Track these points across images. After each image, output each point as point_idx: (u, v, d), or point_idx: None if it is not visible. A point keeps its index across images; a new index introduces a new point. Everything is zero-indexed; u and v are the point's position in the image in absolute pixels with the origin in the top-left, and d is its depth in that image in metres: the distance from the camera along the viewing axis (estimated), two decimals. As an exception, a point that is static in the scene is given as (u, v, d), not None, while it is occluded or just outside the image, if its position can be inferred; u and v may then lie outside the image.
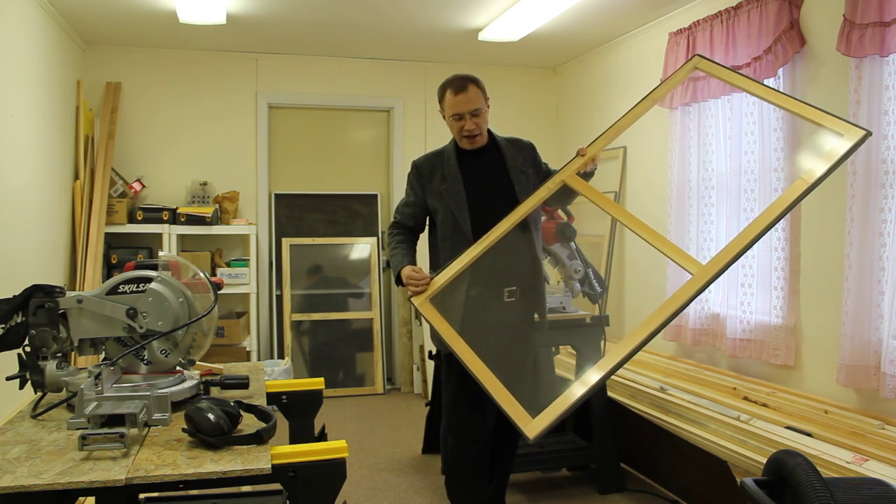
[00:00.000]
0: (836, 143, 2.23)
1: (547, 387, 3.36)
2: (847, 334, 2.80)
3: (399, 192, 5.51)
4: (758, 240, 2.21)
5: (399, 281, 2.60)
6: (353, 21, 4.40)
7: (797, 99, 2.49)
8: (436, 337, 2.63)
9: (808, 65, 3.16)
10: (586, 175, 2.72)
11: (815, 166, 2.21)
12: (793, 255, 3.21)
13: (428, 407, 3.98)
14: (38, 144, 3.83)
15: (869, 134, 2.20)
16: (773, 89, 2.61)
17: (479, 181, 2.65)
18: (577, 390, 2.08)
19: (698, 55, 2.76)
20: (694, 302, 3.83)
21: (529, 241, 2.69)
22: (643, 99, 2.75)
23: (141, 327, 1.78)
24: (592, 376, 2.12)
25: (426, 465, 3.81)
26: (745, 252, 2.21)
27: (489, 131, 2.73)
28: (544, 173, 2.80)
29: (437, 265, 2.66)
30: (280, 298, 5.23)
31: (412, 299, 2.55)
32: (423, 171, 2.71)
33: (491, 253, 2.53)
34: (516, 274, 2.68)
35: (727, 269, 2.21)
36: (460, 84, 2.60)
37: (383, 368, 5.33)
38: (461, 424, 2.64)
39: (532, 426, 2.04)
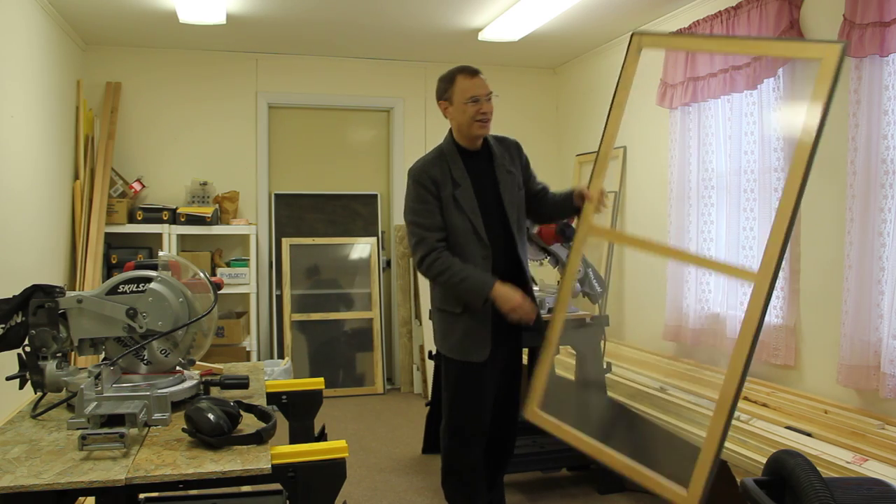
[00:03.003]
0: (818, 70, 1.91)
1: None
2: (847, 334, 2.80)
3: (399, 191, 5.51)
4: (794, 218, 1.96)
5: (486, 301, 2.43)
6: (353, 21, 4.40)
7: (756, 38, 2.20)
8: (438, 340, 2.63)
9: (808, 64, 3.15)
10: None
11: (809, 115, 1.91)
12: (793, 255, 3.21)
13: (428, 407, 3.98)
14: (38, 144, 3.83)
15: (847, 43, 1.89)
16: (727, 36, 2.30)
17: (479, 182, 2.59)
18: (709, 447, 1.92)
19: (635, 33, 2.46)
20: (693, 302, 3.86)
21: (512, 253, 2.61)
22: (610, 109, 2.53)
23: (141, 327, 1.78)
24: (717, 427, 1.94)
25: (426, 465, 3.81)
26: (788, 240, 1.99)
27: None
28: (525, 168, 2.75)
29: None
30: (280, 298, 5.23)
31: (527, 415, 2.47)
32: (436, 176, 2.54)
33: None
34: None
35: (782, 260, 1.99)
36: (473, 69, 2.55)
37: (383, 368, 5.33)
38: (461, 426, 2.63)
39: (690, 498, 1.91)
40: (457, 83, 2.54)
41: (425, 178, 2.53)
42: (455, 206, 2.52)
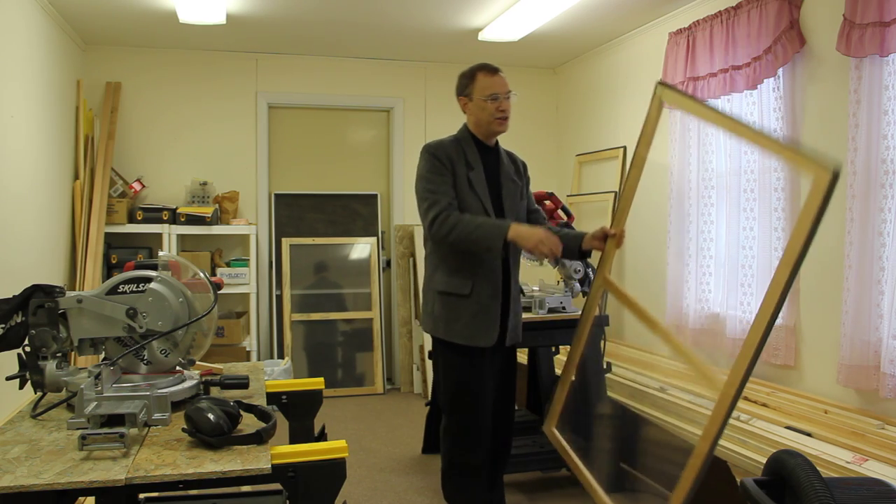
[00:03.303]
0: (810, 189, 1.81)
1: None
2: (847, 334, 2.80)
3: (399, 191, 5.52)
4: (766, 339, 1.83)
5: (506, 246, 2.37)
6: (353, 21, 4.40)
7: (765, 134, 2.00)
8: (441, 327, 2.61)
9: (807, 65, 3.16)
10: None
11: (794, 237, 1.82)
12: (793, 255, 3.20)
13: (428, 407, 3.98)
14: (38, 144, 3.83)
15: (839, 168, 1.72)
16: (743, 122, 2.07)
17: (488, 173, 2.62)
18: (691, 466, 1.92)
19: (659, 83, 2.36)
20: (693, 302, 3.85)
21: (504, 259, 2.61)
22: (633, 160, 2.48)
23: (141, 327, 1.78)
24: (701, 448, 1.92)
25: (426, 465, 3.81)
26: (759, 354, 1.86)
27: None
28: (525, 186, 2.77)
29: (450, 267, 2.56)
30: (280, 298, 5.23)
31: (544, 429, 2.59)
32: (451, 154, 2.55)
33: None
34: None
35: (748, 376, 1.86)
36: (493, 67, 2.58)
37: (383, 368, 5.33)
38: (461, 425, 2.63)
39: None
40: (477, 80, 2.57)
41: (441, 154, 2.54)
42: (469, 186, 2.53)
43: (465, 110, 2.65)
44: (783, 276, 1.75)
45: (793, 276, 1.74)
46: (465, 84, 2.61)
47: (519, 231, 2.34)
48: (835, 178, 1.64)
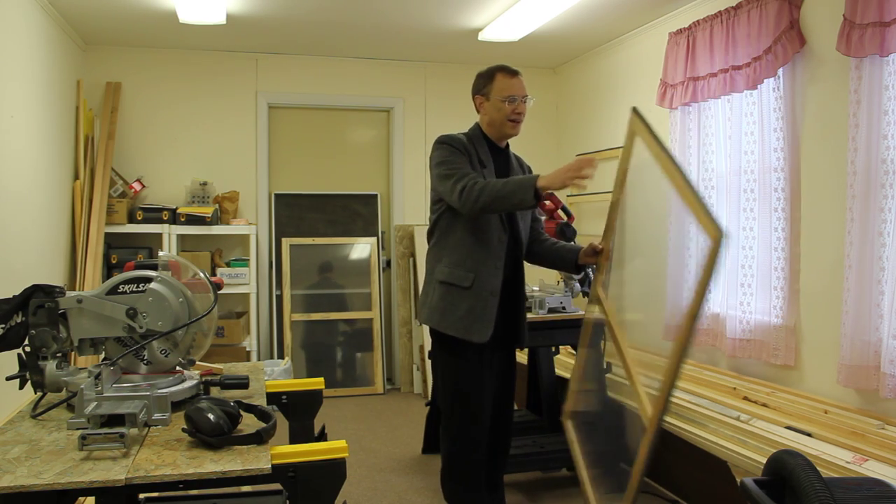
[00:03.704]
0: (707, 253, 1.87)
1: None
2: (847, 334, 2.80)
3: (399, 191, 5.52)
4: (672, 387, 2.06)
5: (537, 195, 2.30)
6: (353, 21, 4.40)
7: (693, 190, 1.96)
8: (436, 318, 2.59)
9: (808, 65, 3.16)
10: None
11: (691, 297, 1.92)
12: (793, 255, 3.21)
13: (428, 407, 3.98)
14: (38, 144, 3.83)
15: (726, 236, 1.80)
16: (681, 171, 2.02)
17: (497, 177, 2.60)
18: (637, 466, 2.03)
19: (633, 109, 2.40)
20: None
21: (515, 257, 2.64)
22: (614, 190, 2.51)
23: (141, 327, 1.78)
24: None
25: (426, 465, 3.82)
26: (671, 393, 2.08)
27: None
28: None
29: (455, 259, 2.53)
30: (280, 298, 5.23)
31: (562, 419, 2.68)
32: (466, 144, 2.56)
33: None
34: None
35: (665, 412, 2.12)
36: (513, 69, 2.58)
37: (383, 368, 5.33)
38: (459, 426, 2.62)
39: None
40: (496, 80, 2.57)
41: (457, 142, 2.55)
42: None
43: (479, 109, 2.64)
44: (688, 324, 1.91)
45: (696, 321, 1.90)
46: (483, 83, 2.61)
47: (546, 177, 2.32)
48: (723, 238, 1.80)
